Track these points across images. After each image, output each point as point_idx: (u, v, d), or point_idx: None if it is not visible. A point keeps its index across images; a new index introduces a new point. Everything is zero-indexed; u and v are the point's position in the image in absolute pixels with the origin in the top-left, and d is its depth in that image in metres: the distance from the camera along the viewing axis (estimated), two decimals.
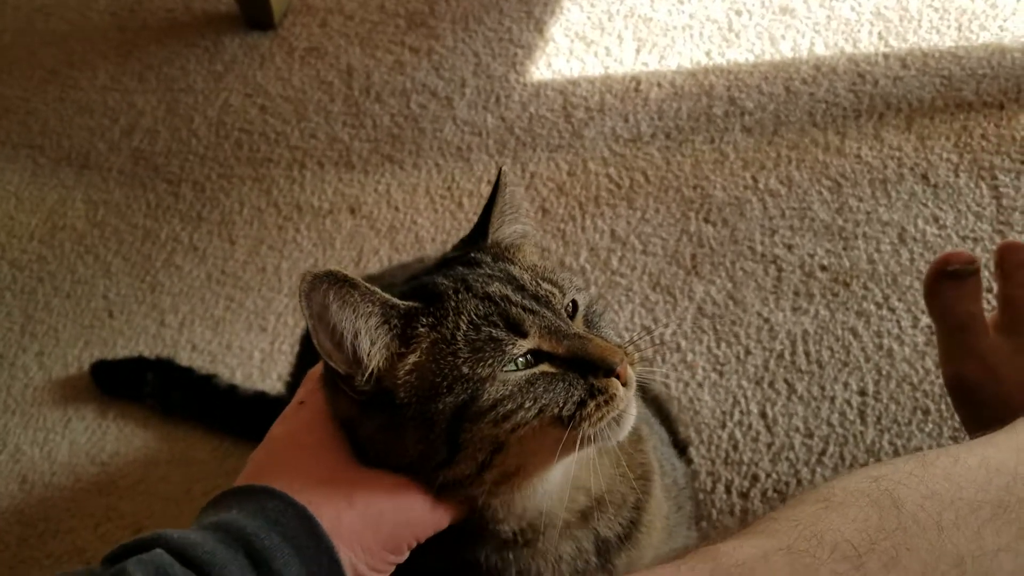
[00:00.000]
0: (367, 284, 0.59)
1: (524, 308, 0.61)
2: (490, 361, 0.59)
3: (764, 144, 1.39)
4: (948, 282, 0.86)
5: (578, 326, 0.64)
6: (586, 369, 0.61)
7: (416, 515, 0.61)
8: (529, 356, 0.60)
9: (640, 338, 0.65)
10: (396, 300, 0.61)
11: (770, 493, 1.03)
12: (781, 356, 1.14)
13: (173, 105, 1.75)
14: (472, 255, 0.67)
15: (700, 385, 1.14)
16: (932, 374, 1.08)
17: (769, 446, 1.07)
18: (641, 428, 0.78)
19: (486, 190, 1.45)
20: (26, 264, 1.55)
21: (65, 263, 1.53)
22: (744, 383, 1.13)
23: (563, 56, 1.63)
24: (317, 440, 0.63)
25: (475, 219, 1.38)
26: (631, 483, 0.73)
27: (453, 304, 0.61)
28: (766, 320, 1.18)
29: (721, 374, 1.14)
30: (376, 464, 0.62)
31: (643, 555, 0.74)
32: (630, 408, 0.62)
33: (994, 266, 0.90)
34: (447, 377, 0.59)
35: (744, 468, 1.06)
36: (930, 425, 1.05)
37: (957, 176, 1.27)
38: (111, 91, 1.81)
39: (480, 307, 0.61)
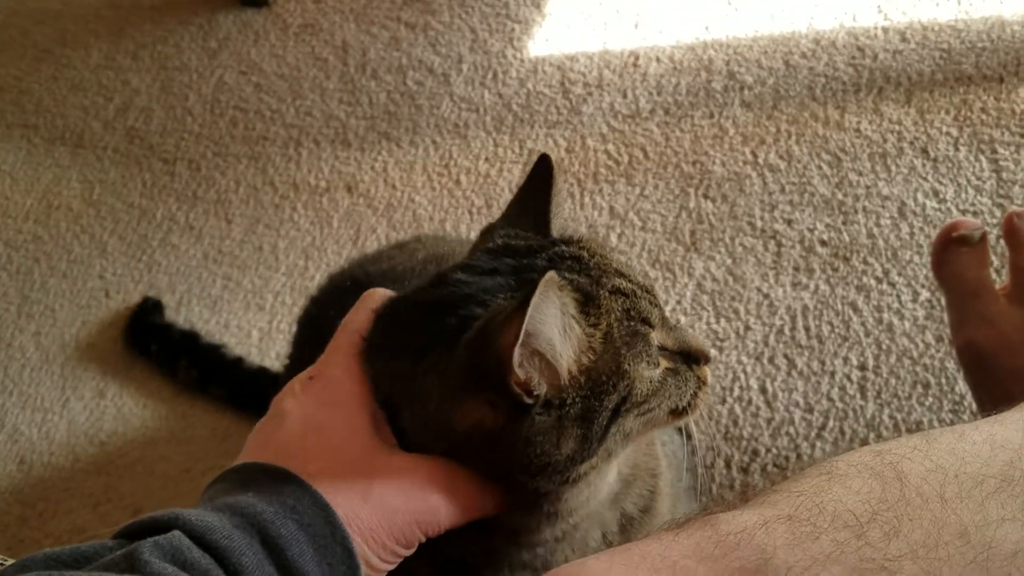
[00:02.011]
0: None
1: (648, 301, 0.61)
2: (641, 356, 0.59)
3: (763, 119, 1.38)
4: (956, 248, 0.87)
5: None
6: (690, 359, 0.63)
7: (429, 515, 0.60)
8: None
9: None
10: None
11: (770, 468, 1.03)
12: (781, 331, 1.14)
13: (167, 83, 1.74)
14: (564, 248, 0.64)
15: None
16: (932, 348, 1.08)
17: (769, 421, 1.07)
18: None
19: (484, 167, 1.44)
20: (21, 244, 1.54)
21: (61, 243, 1.53)
22: (744, 358, 1.13)
23: (561, 31, 1.62)
24: (337, 423, 0.61)
25: (473, 197, 1.40)
26: (643, 450, 0.74)
27: (603, 301, 0.59)
28: (766, 295, 1.18)
29: (721, 350, 1.14)
30: (488, 472, 0.60)
31: (655, 525, 0.74)
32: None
33: (1003, 235, 0.89)
34: (612, 375, 0.58)
35: (744, 443, 1.06)
36: (930, 399, 1.05)
37: (957, 150, 1.27)
38: (105, 70, 1.80)
39: (617, 302, 0.60)
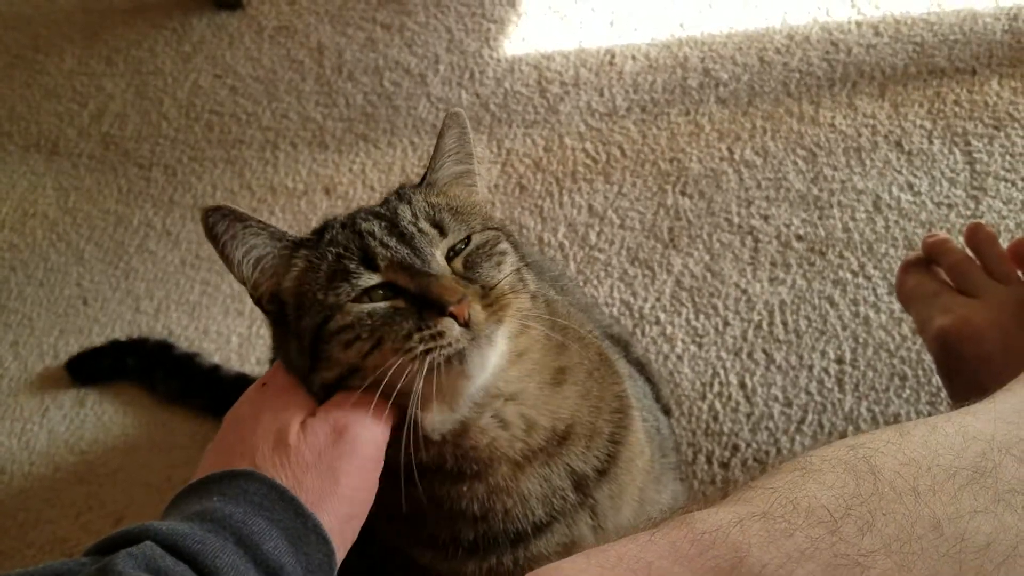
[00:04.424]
0: (258, 219, 0.67)
1: (382, 244, 0.66)
2: (339, 290, 0.65)
3: (739, 115, 1.38)
4: (914, 268, 0.96)
5: (457, 266, 0.67)
6: (426, 306, 0.63)
7: (376, 445, 0.64)
8: (386, 291, 0.65)
9: (505, 277, 0.66)
10: (283, 232, 0.68)
11: (750, 462, 1.04)
12: (759, 326, 1.15)
13: (142, 88, 1.73)
14: (389, 196, 0.74)
15: (680, 357, 1.14)
16: (908, 340, 1.09)
17: (749, 416, 1.07)
18: (616, 363, 0.80)
19: None
20: None
21: (37, 251, 1.51)
22: (723, 354, 1.13)
23: (537, 30, 1.62)
24: (293, 423, 0.64)
25: None
26: (605, 415, 0.74)
27: (328, 237, 0.68)
28: (744, 291, 1.18)
29: (700, 346, 1.15)
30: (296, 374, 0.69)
31: (624, 491, 0.75)
32: (476, 348, 0.63)
33: (925, 254, 0.98)
34: (310, 300, 0.66)
35: (724, 438, 1.06)
36: (907, 391, 1.06)
37: (931, 142, 1.28)
38: (79, 75, 1.78)
39: (349, 240, 0.67)
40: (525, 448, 0.69)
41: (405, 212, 0.69)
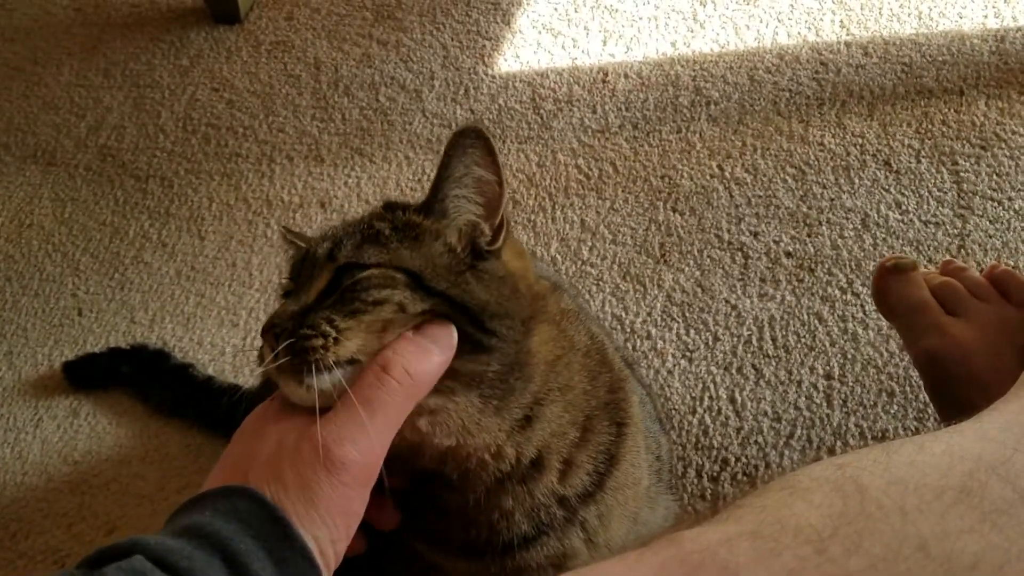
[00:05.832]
0: (298, 233, 0.80)
1: (303, 260, 0.70)
2: (281, 292, 0.73)
3: (730, 133, 1.40)
4: (893, 276, 0.96)
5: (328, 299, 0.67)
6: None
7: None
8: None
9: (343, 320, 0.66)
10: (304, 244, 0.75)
11: (740, 477, 1.05)
12: (749, 342, 1.16)
13: (140, 101, 1.74)
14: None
15: (670, 372, 1.15)
16: (896, 357, 1.10)
17: (738, 430, 1.08)
18: (631, 405, 0.79)
19: None
20: None
21: (33, 261, 1.52)
22: (713, 369, 1.14)
23: (531, 48, 1.64)
24: (292, 436, 0.64)
25: None
26: (588, 451, 0.74)
27: (307, 243, 0.73)
28: (734, 307, 1.20)
29: (691, 361, 1.16)
30: None
31: (611, 513, 0.75)
32: (286, 379, 0.63)
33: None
34: None
35: (714, 453, 1.07)
36: (895, 407, 1.07)
37: (918, 162, 1.30)
38: (76, 87, 1.80)
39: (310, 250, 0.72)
40: (496, 472, 0.69)
41: (330, 231, 0.71)
